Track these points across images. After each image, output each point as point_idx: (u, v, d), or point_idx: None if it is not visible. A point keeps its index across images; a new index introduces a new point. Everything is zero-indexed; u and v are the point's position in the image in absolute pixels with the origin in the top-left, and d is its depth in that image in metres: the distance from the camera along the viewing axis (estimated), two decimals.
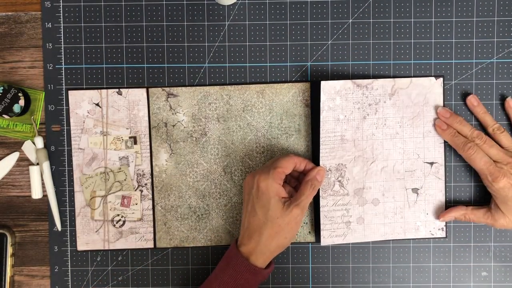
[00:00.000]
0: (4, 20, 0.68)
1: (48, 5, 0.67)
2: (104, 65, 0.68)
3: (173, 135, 0.68)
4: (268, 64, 0.68)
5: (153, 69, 0.68)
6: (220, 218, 0.68)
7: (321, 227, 0.66)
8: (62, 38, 0.67)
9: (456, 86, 0.68)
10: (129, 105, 0.68)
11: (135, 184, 0.68)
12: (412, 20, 0.67)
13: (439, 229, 0.68)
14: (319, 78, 0.68)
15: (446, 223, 0.68)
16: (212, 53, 0.68)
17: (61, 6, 0.67)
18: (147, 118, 0.68)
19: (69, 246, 0.68)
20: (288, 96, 0.68)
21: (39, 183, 0.68)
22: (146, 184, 0.68)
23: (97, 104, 0.68)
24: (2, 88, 0.64)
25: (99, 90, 0.67)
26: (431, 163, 0.67)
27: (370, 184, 0.67)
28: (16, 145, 0.68)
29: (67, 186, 0.68)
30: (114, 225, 0.68)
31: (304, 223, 0.68)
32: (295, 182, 0.65)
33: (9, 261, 0.67)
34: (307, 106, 0.68)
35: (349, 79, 0.67)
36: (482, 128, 0.67)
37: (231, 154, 0.68)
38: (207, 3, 0.67)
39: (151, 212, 0.68)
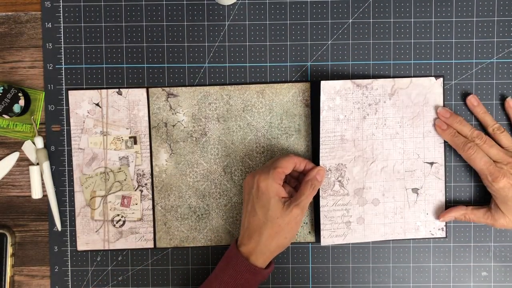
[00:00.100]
0: (4, 20, 0.68)
1: (48, 5, 0.67)
2: (104, 65, 0.68)
3: (173, 135, 0.68)
4: (268, 64, 0.68)
5: (153, 69, 0.68)
6: (220, 218, 0.68)
7: (321, 227, 0.66)
8: (62, 38, 0.67)
9: (456, 86, 0.68)
10: (129, 105, 0.68)
11: (135, 184, 0.68)
12: (412, 20, 0.67)
13: (439, 229, 0.68)
14: (319, 78, 0.68)
15: (446, 223, 0.68)
16: (212, 53, 0.68)
17: (61, 6, 0.67)
18: (147, 118, 0.68)
19: (69, 246, 0.68)
20: (288, 96, 0.68)
21: (39, 183, 0.68)
22: (146, 184, 0.68)
23: (97, 104, 0.68)
24: (2, 88, 0.64)
25: (99, 90, 0.67)
26: (431, 163, 0.67)
27: (370, 184, 0.67)
28: (16, 145, 0.68)
29: (67, 186, 0.68)
30: (114, 225, 0.68)
31: (304, 223, 0.68)
32: (295, 182, 0.65)
33: (9, 261, 0.67)
34: (307, 106, 0.68)
35: (349, 79, 0.67)
36: (482, 128, 0.67)
37: (231, 154, 0.68)
38: (207, 3, 0.67)
39: (151, 212, 0.68)
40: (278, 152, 0.68)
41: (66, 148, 0.68)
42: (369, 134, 0.66)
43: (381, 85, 0.66)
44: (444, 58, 0.68)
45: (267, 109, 0.68)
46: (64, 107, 0.68)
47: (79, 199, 0.68)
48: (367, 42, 0.68)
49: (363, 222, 0.67)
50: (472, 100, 0.67)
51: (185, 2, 0.67)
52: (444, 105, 0.67)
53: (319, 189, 0.65)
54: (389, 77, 0.68)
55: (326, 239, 0.66)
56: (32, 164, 0.68)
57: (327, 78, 0.68)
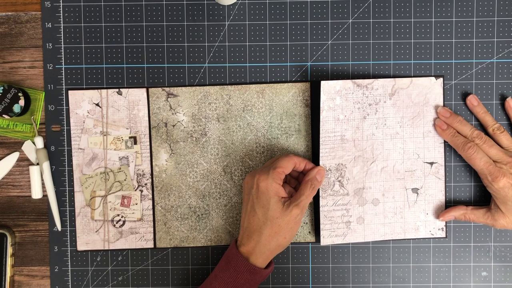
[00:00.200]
0: (4, 20, 0.68)
1: (48, 5, 0.67)
2: (104, 65, 0.68)
3: (173, 135, 0.68)
4: (268, 64, 0.68)
5: (153, 69, 0.68)
6: (220, 218, 0.68)
7: (321, 227, 0.66)
8: (62, 38, 0.68)
9: (456, 86, 0.68)
10: (129, 105, 0.68)
11: (135, 184, 0.68)
12: (412, 20, 0.67)
13: (439, 229, 0.68)
14: (319, 78, 0.68)
15: (446, 223, 0.68)
16: (212, 53, 0.68)
17: (61, 6, 0.67)
18: (147, 118, 0.68)
19: (69, 246, 0.68)
20: (288, 96, 0.68)
21: (39, 183, 0.68)
22: (146, 184, 0.68)
23: (97, 104, 0.68)
24: (2, 88, 0.64)
25: (99, 90, 0.68)
26: (431, 163, 0.67)
27: (370, 184, 0.67)
28: (16, 145, 0.68)
29: (67, 186, 0.68)
30: (114, 225, 0.68)
31: (304, 223, 0.68)
32: (295, 182, 0.65)
33: (9, 261, 0.67)
34: (307, 106, 0.68)
35: (349, 79, 0.67)
36: (482, 128, 0.67)
37: (231, 154, 0.68)
38: (207, 3, 0.67)
39: (151, 212, 0.68)
40: (278, 152, 0.68)
41: (66, 148, 0.68)
42: (369, 134, 0.66)
43: (381, 85, 0.66)
44: (444, 58, 0.68)
45: (267, 109, 0.68)
46: (64, 107, 0.68)
47: (79, 199, 0.68)
48: (367, 42, 0.68)
49: (363, 222, 0.67)
50: (472, 100, 0.67)
51: (185, 2, 0.67)
52: (444, 105, 0.67)
53: (319, 189, 0.65)
54: (389, 77, 0.68)
55: (326, 239, 0.66)
56: (32, 164, 0.68)
57: (327, 78, 0.68)
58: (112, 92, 0.67)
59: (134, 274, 0.68)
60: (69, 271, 0.68)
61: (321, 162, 0.65)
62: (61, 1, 0.67)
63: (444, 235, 0.68)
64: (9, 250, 0.67)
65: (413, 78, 0.66)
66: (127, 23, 0.67)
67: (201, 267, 0.69)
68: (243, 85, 0.68)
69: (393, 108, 0.66)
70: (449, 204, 0.68)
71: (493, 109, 0.68)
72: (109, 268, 0.68)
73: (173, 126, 0.68)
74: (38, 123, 0.68)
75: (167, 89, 0.68)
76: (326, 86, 0.65)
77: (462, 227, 0.68)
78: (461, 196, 0.68)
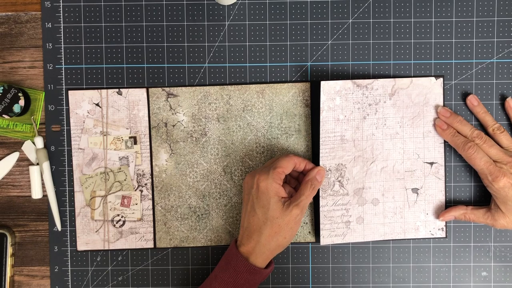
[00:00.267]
0: (4, 20, 0.68)
1: (48, 5, 0.67)
2: (104, 65, 0.68)
3: (173, 135, 0.68)
4: (268, 64, 0.68)
5: (153, 69, 0.68)
6: (220, 218, 0.68)
7: (321, 227, 0.66)
8: (62, 38, 0.68)
9: (456, 86, 0.68)
10: (129, 105, 0.68)
11: (135, 184, 0.68)
12: (412, 20, 0.67)
13: (439, 229, 0.68)
14: (319, 78, 0.68)
15: (446, 223, 0.68)
16: (212, 53, 0.68)
17: (61, 6, 0.67)
18: (147, 118, 0.68)
19: (69, 246, 0.68)
20: (288, 96, 0.68)
21: (39, 183, 0.68)
22: (146, 184, 0.68)
23: (97, 104, 0.68)
24: (2, 88, 0.64)
25: (99, 90, 0.68)
26: (431, 163, 0.67)
27: (370, 184, 0.67)
28: (16, 145, 0.68)
29: (67, 186, 0.68)
30: (114, 225, 0.68)
31: (304, 223, 0.68)
32: (295, 182, 0.65)
33: (9, 261, 0.67)
34: (307, 106, 0.68)
35: (349, 79, 0.67)
36: (482, 128, 0.67)
37: (231, 154, 0.68)
38: (207, 3, 0.67)
39: (151, 212, 0.68)
40: (278, 152, 0.68)
41: (66, 148, 0.68)
42: (369, 134, 0.66)
43: (381, 85, 0.66)
44: (444, 58, 0.68)
45: (267, 109, 0.68)
46: (64, 107, 0.68)
47: (79, 199, 0.68)
48: (367, 42, 0.68)
49: (363, 222, 0.67)
50: (472, 100, 0.67)
51: (185, 2, 0.67)
52: (444, 105, 0.67)
53: (319, 189, 0.65)
54: (389, 77, 0.68)
55: (326, 239, 0.66)
56: (32, 164, 0.68)
57: (327, 78, 0.68)
58: (112, 92, 0.67)
59: (134, 274, 0.68)
60: (69, 271, 0.68)
61: (321, 162, 0.65)
62: (61, 1, 0.67)
63: (444, 235, 0.68)
64: (9, 250, 0.67)
65: (413, 78, 0.66)
66: (127, 23, 0.67)
67: (201, 267, 0.69)
68: (243, 85, 0.68)
69: (393, 108, 0.66)
70: (449, 204, 0.68)
71: (493, 109, 0.68)
72: (109, 268, 0.68)
73: (173, 126, 0.68)
74: (38, 123, 0.68)
75: (167, 89, 0.68)
76: (326, 86, 0.65)
77: (462, 227, 0.68)
78: (461, 196, 0.68)
